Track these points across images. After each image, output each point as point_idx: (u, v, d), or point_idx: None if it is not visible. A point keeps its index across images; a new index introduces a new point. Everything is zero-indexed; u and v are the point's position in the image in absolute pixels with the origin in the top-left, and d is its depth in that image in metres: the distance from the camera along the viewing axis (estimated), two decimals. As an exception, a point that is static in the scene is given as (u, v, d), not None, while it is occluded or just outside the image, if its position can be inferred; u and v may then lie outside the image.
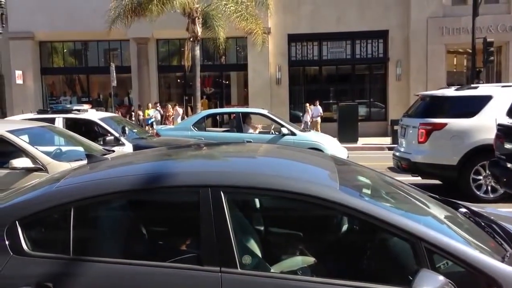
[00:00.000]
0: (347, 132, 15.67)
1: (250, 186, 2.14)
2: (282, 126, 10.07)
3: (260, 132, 10.67)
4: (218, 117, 18.91)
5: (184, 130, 10.16)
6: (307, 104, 17.87)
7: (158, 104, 18.87)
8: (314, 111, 17.86)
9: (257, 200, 2.66)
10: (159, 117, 18.30)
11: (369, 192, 2.43)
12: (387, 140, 15.97)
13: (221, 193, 2.07)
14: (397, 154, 7.85)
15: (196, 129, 10.26)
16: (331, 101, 20.48)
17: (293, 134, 9.84)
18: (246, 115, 10.78)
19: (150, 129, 16.25)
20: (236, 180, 2.17)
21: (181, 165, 2.66)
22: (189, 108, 19.77)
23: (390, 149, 14.74)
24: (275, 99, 19.28)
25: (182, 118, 17.10)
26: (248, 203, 2.62)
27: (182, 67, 17.96)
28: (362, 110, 19.57)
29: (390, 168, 9.04)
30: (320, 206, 2.11)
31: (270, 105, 18.41)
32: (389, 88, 19.37)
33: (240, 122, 10.22)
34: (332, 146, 9.88)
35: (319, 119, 17.87)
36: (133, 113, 18.68)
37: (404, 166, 7.48)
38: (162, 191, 2.18)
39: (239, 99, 21.16)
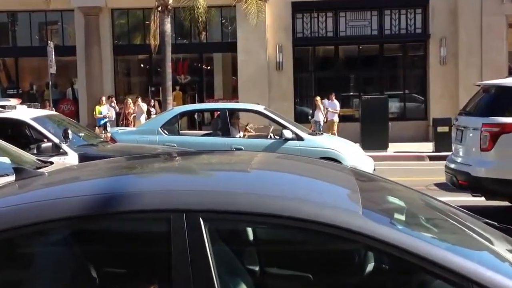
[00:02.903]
0: (373, 135, 15.73)
1: (240, 210, 2.15)
2: (285, 127, 10.10)
3: (251, 136, 10.67)
4: (196, 116, 18.92)
5: (150, 133, 10.16)
6: (318, 98, 17.93)
7: (113, 98, 18.86)
8: (328, 107, 17.93)
9: (250, 230, 2.66)
10: (114, 116, 18.26)
11: (403, 218, 2.45)
12: (428, 147, 16.06)
13: (200, 220, 2.07)
14: (452, 166, 7.84)
15: (166, 132, 10.26)
16: (351, 93, 20.57)
17: (299, 138, 9.86)
18: (235, 113, 10.79)
19: (103, 132, 16.23)
20: (221, 203, 2.17)
21: (145, 182, 2.66)
22: (156, 104, 19.76)
23: (432, 158, 14.82)
24: (274, 91, 19.34)
25: (148, 117, 17.09)
26: (238, 234, 2.62)
27: (147, 47, 17.94)
28: (394, 106, 19.66)
29: (438, 185, 9.05)
30: (336, 238, 2.12)
31: (268, 98, 18.46)
32: (430, 75, 19.49)
33: (226, 123, 10.24)
34: (353, 155, 9.91)
35: (335, 118, 17.94)
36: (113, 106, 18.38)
37: (462, 182, 7.46)
38: (118, 218, 2.18)
39: (225, 91, 21.20)
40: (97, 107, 18.19)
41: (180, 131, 11.11)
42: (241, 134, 10.56)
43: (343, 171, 3.17)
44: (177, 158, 3.53)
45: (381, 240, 2.02)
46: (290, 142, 9.77)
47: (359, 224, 2.06)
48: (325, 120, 17.74)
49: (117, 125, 17.14)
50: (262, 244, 2.73)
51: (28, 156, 6.36)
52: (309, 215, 2.08)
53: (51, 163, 6.23)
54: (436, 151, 15.18)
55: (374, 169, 9.56)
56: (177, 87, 20.30)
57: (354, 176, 2.79)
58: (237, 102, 17.77)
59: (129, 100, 18.28)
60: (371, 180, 3.12)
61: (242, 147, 9.31)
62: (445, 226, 2.58)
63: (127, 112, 17.93)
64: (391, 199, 2.75)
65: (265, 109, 11.11)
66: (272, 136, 10.52)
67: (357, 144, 12.66)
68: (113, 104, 18.51)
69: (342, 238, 2.10)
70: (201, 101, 20.18)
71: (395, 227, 2.19)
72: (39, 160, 6.31)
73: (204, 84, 21.35)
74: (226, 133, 10.14)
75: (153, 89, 20.35)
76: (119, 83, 21.37)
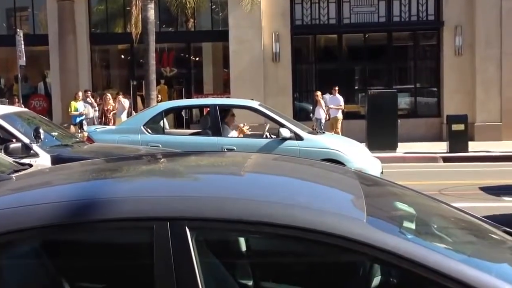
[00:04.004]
0: (381, 134, 15.75)
1: (231, 219, 2.15)
2: (282, 125, 10.10)
3: (246, 136, 10.68)
4: (183, 113, 18.90)
5: (132, 132, 10.15)
6: (319, 93, 17.93)
7: (89, 93, 18.82)
8: (331, 102, 17.94)
9: (242, 240, 2.67)
10: (91, 113, 18.23)
11: (412, 226, 2.45)
12: (441, 147, 16.08)
13: (187, 229, 2.07)
14: None
15: (149, 131, 10.25)
16: (356, 88, 20.60)
17: (298, 138, 9.87)
18: (226, 110, 10.79)
19: (79, 131, 16.21)
20: (209, 210, 2.17)
21: (125, 187, 2.66)
22: (138, 99, 19.73)
23: (446, 160, 14.84)
24: (271, 85, 19.35)
25: (129, 115, 17.07)
26: (228, 245, 2.62)
27: (128, 35, 17.92)
28: (404, 101, 19.69)
29: (484, 189, 9.06)
30: (338, 248, 2.12)
31: (263, 93, 18.46)
32: (444, 68, 19.54)
33: (217, 120, 10.23)
34: (358, 156, 9.93)
35: (339, 115, 17.95)
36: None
37: None
38: (95, 227, 2.18)
39: (216, 85, 21.19)
40: (73, 103, 18.12)
41: (166, 130, 11.10)
42: (235, 133, 10.54)
43: (346, 174, 3.17)
44: (162, 160, 3.53)
45: (388, 251, 2.02)
46: (288, 142, 9.76)
47: (364, 233, 2.07)
48: (327, 117, 17.73)
49: (95, 123, 17.11)
50: (255, 256, 2.73)
51: (3, 159, 6.30)
52: (308, 223, 2.08)
53: (30, 165, 6.20)
54: (450, 151, 15.20)
55: (382, 172, 9.58)
56: (162, 81, 20.27)
57: (358, 180, 2.80)
58: (229, 97, 17.76)
59: (108, 96, 18.25)
60: (377, 185, 3.12)
61: (235, 148, 9.31)
62: (459, 235, 2.58)
63: (106, 108, 17.90)
64: (400, 205, 2.76)
65: (260, 105, 11.09)
66: (268, 135, 10.52)
67: (363, 144, 12.67)
68: (90, 100, 18.46)
69: (345, 248, 2.10)
70: (188, 96, 20.14)
71: (404, 236, 2.20)
72: (17, 162, 6.26)
73: (192, 77, 21.33)
74: (217, 132, 10.12)
75: (135, 83, 20.30)
76: (97, 76, 21.32)
